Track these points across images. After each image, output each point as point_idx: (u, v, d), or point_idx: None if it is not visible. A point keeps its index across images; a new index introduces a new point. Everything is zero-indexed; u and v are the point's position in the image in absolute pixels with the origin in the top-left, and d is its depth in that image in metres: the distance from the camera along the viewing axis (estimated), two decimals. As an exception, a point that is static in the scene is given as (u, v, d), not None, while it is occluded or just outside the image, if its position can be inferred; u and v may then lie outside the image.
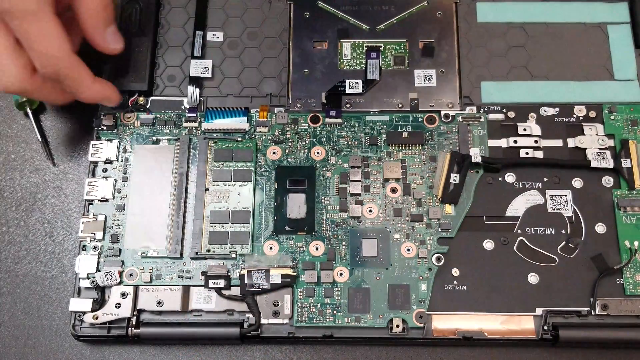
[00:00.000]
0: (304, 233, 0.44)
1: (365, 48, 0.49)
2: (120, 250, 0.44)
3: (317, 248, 0.44)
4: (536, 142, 0.46)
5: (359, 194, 0.45)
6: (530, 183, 0.45)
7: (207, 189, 0.45)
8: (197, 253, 0.44)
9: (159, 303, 0.43)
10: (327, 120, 0.47)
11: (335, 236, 0.44)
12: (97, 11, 0.42)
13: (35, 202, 0.48)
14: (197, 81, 0.48)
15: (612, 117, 0.47)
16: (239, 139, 0.47)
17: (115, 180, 0.46)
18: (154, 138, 0.47)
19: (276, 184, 0.46)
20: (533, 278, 0.43)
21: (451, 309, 0.43)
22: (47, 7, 0.39)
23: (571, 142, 0.46)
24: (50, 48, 0.39)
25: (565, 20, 0.49)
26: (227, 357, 0.44)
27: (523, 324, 0.43)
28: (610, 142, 0.46)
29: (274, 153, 0.46)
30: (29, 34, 0.38)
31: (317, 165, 0.46)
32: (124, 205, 0.45)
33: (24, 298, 0.45)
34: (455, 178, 0.45)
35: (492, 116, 0.47)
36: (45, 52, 0.39)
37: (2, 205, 0.48)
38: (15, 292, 0.45)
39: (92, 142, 0.46)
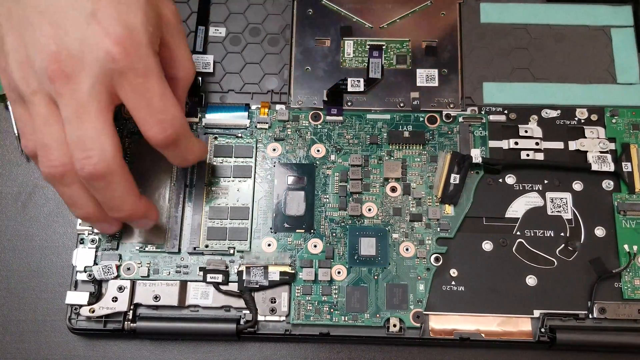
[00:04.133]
0: (303, 230, 0.44)
1: (367, 46, 0.49)
2: (118, 244, 0.44)
3: (315, 246, 0.44)
4: (537, 144, 0.46)
5: (359, 193, 0.45)
6: (530, 185, 0.45)
7: (207, 185, 0.45)
8: (195, 248, 0.44)
9: (156, 298, 0.43)
10: (328, 118, 0.47)
11: (334, 234, 0.44)
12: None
13: (32, 197, 0.47)
14: (198, 76, 0.48)
15: (613, 121, 0.46)
16: (240, 135, 0.47)
17: (115, 174, 0.45)
18: (154, 132, 0.47)
19: (276, 180, 0.45)
20: (531, 280, 0.43)
21: (448, 310, 0.43)
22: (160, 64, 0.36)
23: (572, 145, 0.46)
24: (170, 107, 0.37)
25: (569, 23, 0.49)
26: (223, 354, 0.44)
27: (520, 326, 0.42)
28: (612, 146, 0.46)
29: (274, 150, 0.46)
30: (150, 92, 0.35)
31: (317, 162, 0.46)
32: (123, 199, 0.45)
33: (19, 293, 0.45)
34: (455, 178, 0.45)
35: (493, 117, 0.47)
36: (167, 111, 0.36)
37: (-2, 199, 0.47)
38: (10, 287, 0.45)
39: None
